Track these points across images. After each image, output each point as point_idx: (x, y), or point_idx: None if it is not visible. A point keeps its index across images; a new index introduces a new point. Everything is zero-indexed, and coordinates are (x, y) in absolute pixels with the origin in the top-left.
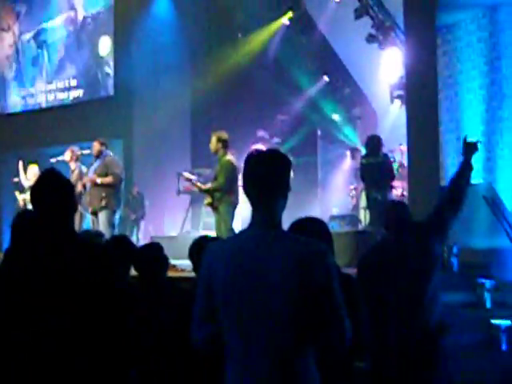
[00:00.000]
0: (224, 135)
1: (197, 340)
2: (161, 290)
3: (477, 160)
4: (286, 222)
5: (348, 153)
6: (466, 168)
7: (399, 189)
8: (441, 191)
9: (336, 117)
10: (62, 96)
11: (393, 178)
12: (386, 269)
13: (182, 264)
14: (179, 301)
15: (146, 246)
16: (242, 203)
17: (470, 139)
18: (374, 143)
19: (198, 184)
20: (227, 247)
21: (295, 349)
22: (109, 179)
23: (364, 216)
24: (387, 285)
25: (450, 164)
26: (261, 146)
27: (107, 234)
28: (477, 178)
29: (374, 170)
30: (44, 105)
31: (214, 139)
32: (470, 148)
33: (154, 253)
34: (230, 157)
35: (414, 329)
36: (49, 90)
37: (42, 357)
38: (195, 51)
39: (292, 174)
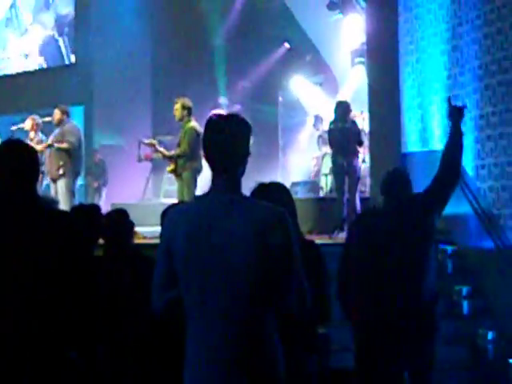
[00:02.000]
0: (188, 102)
1: (157, 306)
2: (127, 257)
3: (439, 126)
4: (247, 188)
5: (309, 120)
6: (455, 134)
7: (360, 155)
8: (402, 158)
9: (297, 83)
10: (22, 63)
11: (360, 144)
12: (384, 236)
13: (143, 231)
14: (145, 267)
15: (112, 212)
16: (206, 170)
17: (455, 103)
18: (342, 109)
19: (162, 150)
20: (187, 211)
21: (254, 312)
22: (64, 145)
23: (325, 183)
24: (385, 252)
25: (412, 130)
26: (221, 112)
27: (67, 202)
28: (438, 144)
29: (342, 136)
30: (4, 71)
31: (178, 106)
32: (456, 113)
33: (121, 218)
34: (194, 123)
35: (412, 297)
36: (8, 57)
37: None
38: (156, 17)
39: (252, 139)
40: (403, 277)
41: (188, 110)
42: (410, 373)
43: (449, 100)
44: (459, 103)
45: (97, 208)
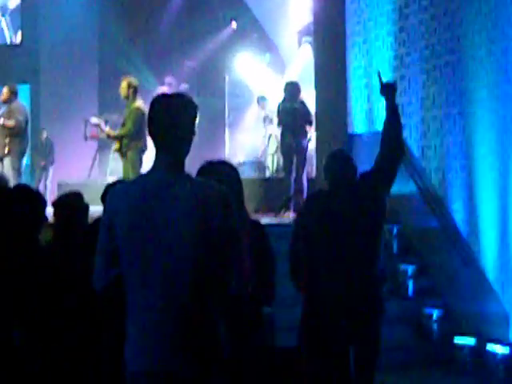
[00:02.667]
0: (135, 81)
1: (99, 285)
2: (81, 238)
3: (384, 107)
4: (194, 167)
5: (255, 99)
6: (391, 110)
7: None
8: (348, 138)
9: (243, 63)
10: None
11: (310, 124)
12: (334, 217)
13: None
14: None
15: (67, 195)
16: (151, 150)
17: (386, 80)
18: (292, 89)
19: (107, 129)
20: (130, 189)
21: (195, 292)
22: (10, 123)
23: (271, 162)
24: (336, 233)
25: (358, 111)
26: (167, 90)
27: (13, 181)
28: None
29: (290, 116)
30: None
31: (124, 84)
32: (387, 89)
33: (77, 201)
34: (139, 103)
35: (362, 277)
36: None
37: None
38: None
39: (198, 118)
40: (354, 257)
41: (134, 89)
42: (356, 352)
43: (378, 75)
44: (390, 79)
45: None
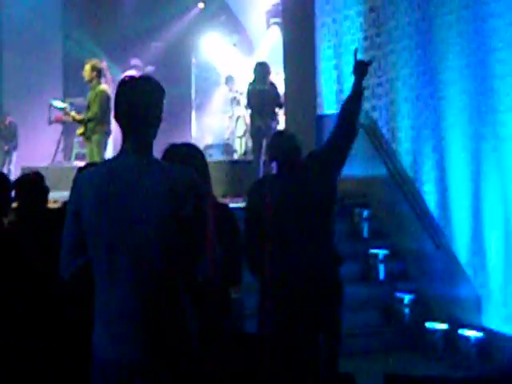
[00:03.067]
0: (99, 64)
1: (66, 271)
2: (42, 221)
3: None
4: (159, 150)
5: (223, 81)
6: (357, 90)
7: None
8: (318, 119)
9: (211, 44)
10: None
11: (280, 107)
12: (283, 199)
13: (54, 195)
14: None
15: (27, 175)
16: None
17: (361, 59)
18: (261, 70)
19: (72, 113)
20: (97, 174)
21: (165, 277)
22: None
23: (240, 145)
24: (287, 217)
25: (328, 92)
26: (134, 73)
27: None
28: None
29: (260, 98)
30: None
31: (87, 67)
32: (360, 68)
33: (37, 182)
34: (104, 86)
35: (314, 260)
36: None
37: None
38: None
39: (165, 101)
40: (305, 240)
41: (98, 72)
42: (324, 336)
43: (355, 53)
44: (365, 58)
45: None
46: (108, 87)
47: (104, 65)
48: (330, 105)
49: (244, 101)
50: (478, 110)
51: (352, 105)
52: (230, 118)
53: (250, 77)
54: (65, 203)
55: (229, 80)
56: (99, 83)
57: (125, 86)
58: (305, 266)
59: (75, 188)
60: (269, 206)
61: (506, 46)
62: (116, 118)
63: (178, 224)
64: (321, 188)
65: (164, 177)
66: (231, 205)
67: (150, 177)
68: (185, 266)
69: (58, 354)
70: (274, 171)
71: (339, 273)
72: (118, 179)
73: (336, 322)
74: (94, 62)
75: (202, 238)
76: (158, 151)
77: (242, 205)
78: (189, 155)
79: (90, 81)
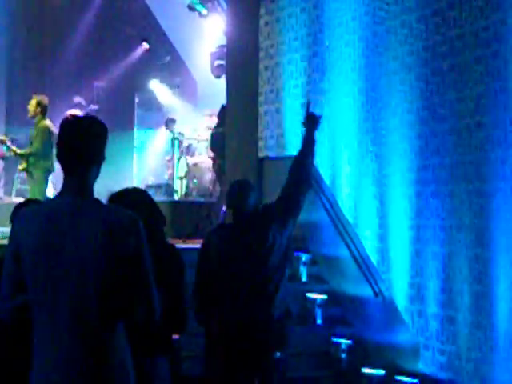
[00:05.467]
0: (44, 100)
1: (4, 311)
2: None
3: (296, 132)
4: (101, 191)
5: (165, 122)
6: (309, 142)
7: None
8: (259, 163)
9: (154, 85)
10: None
11: None
12: (236, 250)
13: None
14: None
15: None
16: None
17: (311, 111)
18: (224, 114)
19: (14, 148)
20: (36, 214)
21: (103, 321)
22: None
23: (180, 186)
24: (237, 267)
25: (269, 135)
26: (77, 112)
27: None
28: (295, 150)
29: (223, 141)
30: None
31: (33, 102)
32: (312, 121)
33: None
34: (47, 122)
35: (264, 310)
36: None
37: None
38: (12, 12)
39: (107, 141)
40: (256, 290)
41: (43, 108)
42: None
43: (307, 106)
44: (317, 112)
45: None
46: (50, 123)
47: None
48: (271, 148)
49: (187, 142)
50: (416, 155)
51: (304, 157)
52: (170, 159)
53: (214, 121)
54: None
55: (169, 121)
56: (43, 119)
57: (67, 124)
58: (248, 319)
59: (14, 227)
60: (218, 255)
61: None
62: (57, 157)
63: (116, 264)
64: (274, 239)
65: (100, 218)
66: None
67: (85, 218)
68: (123, 310)
69: None
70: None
71: (286, 326)
72: (56, 221)
73: (274, 371)
74: (40, 97)
75: (141, 279)
76: (100, 192)
77: (182, 246)
78: (135, 199)
79: (34, 116)
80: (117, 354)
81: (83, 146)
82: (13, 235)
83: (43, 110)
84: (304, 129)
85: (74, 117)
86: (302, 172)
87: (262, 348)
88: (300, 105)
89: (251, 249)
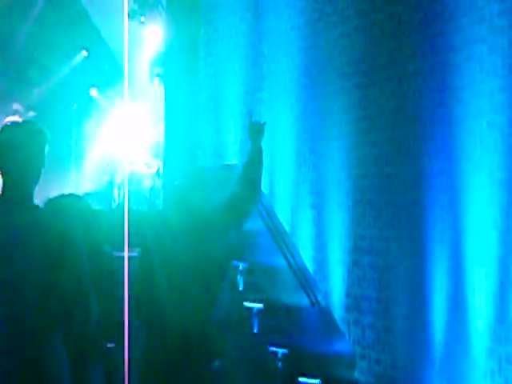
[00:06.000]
0: None
1: None
2: None
3: (234, 141)
4: (40, 198)
5: (103, 129)
6: (255, 150)
7: (154, 167)
8: (198, 170)
9: (94, 93)
10: None
11: None
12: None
13: None
14: None
15: None
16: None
17: (255, 120)
18: None
19: None
20: None
21: (42, 329)
22: None
23: (118, 193)
24: (174, 274)
25: (208, 144)
26: (16, 119)
27: None
28: (233, 158)
29: None
30: None
31: None
32: (256, 130)
33: None
34: None
35: (201, 320)
36: None
37: None
38: None
39: (47, 147)
40: (196, 296)
41: None
42: None
43: (250, 115)
44: (259, 120)
45: None
46: None
47: None
48: (209, 157)
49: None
50: (352, 165)
51: (253, 167)
52: (110, 167)
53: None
54: None
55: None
56: None
57: (5, 131)
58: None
59: None
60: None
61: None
62: None
63: (55, 271)
64: (216, 246)
65: (38, 223)
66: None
67: (24, 224)
68: (59, 316)
69: None
70: None
71: (224, 332)
72: None
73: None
74: None
75: (79, 283)
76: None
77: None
78: (71, 205)
79: None
80: (53, 367)
81: (22, 153)
82: None
83: None
84: (249, 138)
85: (12, 123)
86: (251, 181)
87: (200, 356)
88: (239, 113)
89: (191, 258)
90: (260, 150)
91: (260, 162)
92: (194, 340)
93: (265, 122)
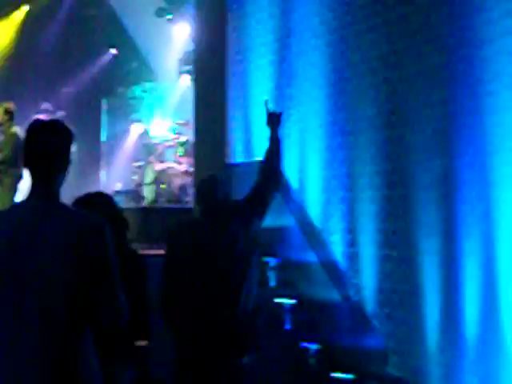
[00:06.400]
0: (11, 106)
1: None
2: None
3: (263, 138)
4: (68, 196)
5: (133, 128)
6: (273, 140)
7: (184, 165)
8: (226, 168)
9: (122, 91)
10: None
11: None
12: (203, 246)
13: None
14: None
15: None
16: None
17: (273, 110)
18: None
19: None
20: (5, 217)
21: (70, 328)
22: None
23: (148, 192)
24: (204, 263)
25: (236, 141)
26: (44, 117)
27: None
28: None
29: None
30: None
31: (0, 110)
32: (273, 119)
33: None
34: (16, 128)
35: (231, 310)
36: None
37: None
38: None
39: (74, 147)
40: (222, 289)
41: (10, 115)
42: None
43: (266, 105)
44: (277, 110)
45: None
46: (20, 130)
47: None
48: (238, 154)
49: (155, 148)
50: (384, 159)
51: (272, 155)
52: (139, 166)
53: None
54: None
55: (138, 128)
56: (12, 125)
57: (33, 130)
58: (221, 316)
59: None
60: (183, 258)
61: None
62: (23, 162)
63: (81, 268)
64: (240, 238)
65: (69, 224)
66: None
67: (52, 222)
68: (90, 315)
69: None
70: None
71: (255, 327)
72: (21, 226)
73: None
74: (6, 105)
75: (107, 282)
76: (65, 197)
77: (148, 252)
78: (100, 203)
79: (2, 124)
80: (84, 364)
81: (49, 151)
82: None
83: (10, 117)
84: (268, 128)
85: (41, 122)
86: (270, 170)
87: (227, 351)
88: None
89: (221, 244)
90: (278, 138)
91: (278, 151)
92: (222, 337)
93: (281, 112)
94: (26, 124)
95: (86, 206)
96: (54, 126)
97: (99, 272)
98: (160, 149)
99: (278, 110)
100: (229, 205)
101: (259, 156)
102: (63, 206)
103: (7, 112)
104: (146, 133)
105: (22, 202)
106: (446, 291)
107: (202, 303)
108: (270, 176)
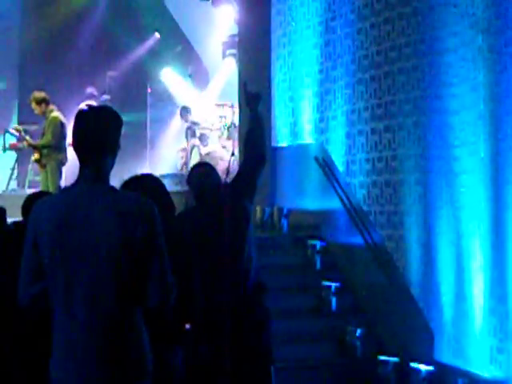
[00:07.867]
0: (39, 94)
1: (24, 299)
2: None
3: (309, 120)
4: (115, 180)
5: (178, 111)
6: (254, 119)
7: (229, 148)
8: (272, 152)
9: (166, 74)
10: None
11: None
12: (200, 234)
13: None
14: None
15: None
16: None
17: (250, 90)
18: None
19: (27, 138)
20: (54, 202)
21: (120, 305)
22: None
23: None
24: (202, 250)
25: (282, 124)
26: (91, 103)
27: None
28: (308, 138)
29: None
30: None
31: (33, 104)
32: (252, 100)
33: None
34: (57, 113)
35: (232, 289)
36: None
37: None
38: (21, 7)
39: (122, 131)
40: (222, 269)
41: (44, 102)
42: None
43: (244, 87)
44: (254, 91)
45: None
46: (60, 114)
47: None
48: (284, 137)
49: (199, 131)
50: (432, 143)
51: (254, 134)
52: (184, 149)
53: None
54: (15, 224)
55: (183, 110)
56: (52, 111)
57: (82, 115)
58: (223, 295)
59: (32, 216)
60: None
61: (460, 81)
62: (73, 147)
63: (130, 249)
64: (234, 218)
65: (117, 205)
66: None
67: (101, 205)
68: (139, 291)
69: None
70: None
71: (261, 301)
72: (73, 209)
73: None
74: (35, 95)
75: (155, 263)
76: (113, 180)
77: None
78: (148, 185)
79: (43, 113)
80: (135, 339)
81: (98, 135)
82: (31, 224)
83: (46, 103)
84: (248, 108)
85: (89, 107)
86: (253, 148)
87: (238, 329)
88: (313, 93)
89: (212, 229)
90: (258, 117)
91: (259, 127)
92: (235, 305)
93: (259, 93)
94: (71, 109)
95: (135, 187)
96: (103, 111)
97: (148, 251)
98: (205, 132)
99: (255, 92)
100: (220, 187)
101: (304, 139)
102: (112, 188)
103: (40, 102)
104: (190, 116)
105: (72, 186)
106: (494, 273)
107: (206, 284)
108: (256, 149)
